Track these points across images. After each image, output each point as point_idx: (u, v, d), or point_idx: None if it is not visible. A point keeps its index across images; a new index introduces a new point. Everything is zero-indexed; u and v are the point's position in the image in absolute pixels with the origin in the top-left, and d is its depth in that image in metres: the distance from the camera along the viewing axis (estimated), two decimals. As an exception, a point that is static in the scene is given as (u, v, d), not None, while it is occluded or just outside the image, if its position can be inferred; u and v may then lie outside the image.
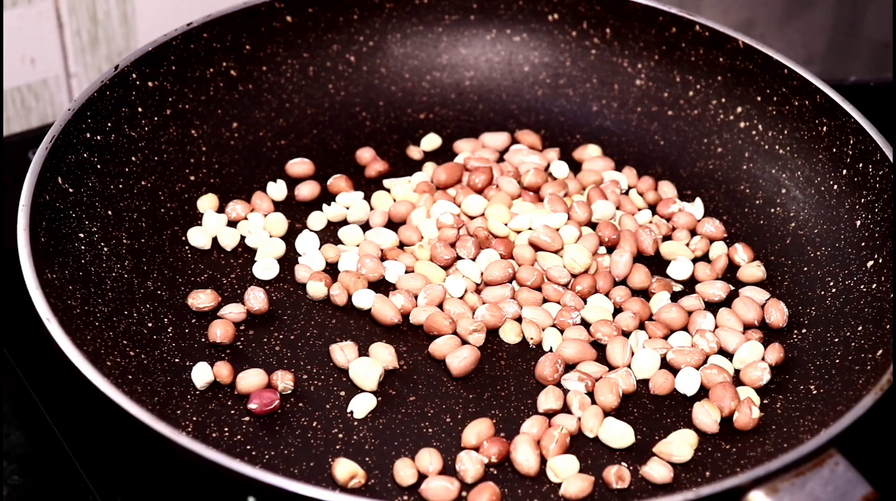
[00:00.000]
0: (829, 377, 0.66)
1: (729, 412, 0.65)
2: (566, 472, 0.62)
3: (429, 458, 0.63)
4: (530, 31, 0.84)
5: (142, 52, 0.75)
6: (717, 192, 0.78)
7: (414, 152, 0.80)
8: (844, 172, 0.74)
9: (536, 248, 0.73)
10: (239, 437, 0.64)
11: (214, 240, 0.74)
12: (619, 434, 0.64)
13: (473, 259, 0.72)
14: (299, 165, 0.78)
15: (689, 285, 0.73)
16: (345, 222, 0.76)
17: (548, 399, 0.66)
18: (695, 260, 0.74)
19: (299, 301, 0.71)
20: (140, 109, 0.75)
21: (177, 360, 0.67)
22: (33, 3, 0.83)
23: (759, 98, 0.78)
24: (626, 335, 0.69)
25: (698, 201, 0.77)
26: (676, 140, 0.81)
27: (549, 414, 0.66)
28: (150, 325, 0.69)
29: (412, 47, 0.84)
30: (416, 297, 0.70)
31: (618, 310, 0.71)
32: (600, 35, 0.83)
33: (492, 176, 0.77)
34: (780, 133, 0.78)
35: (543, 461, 0.63)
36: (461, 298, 0.71)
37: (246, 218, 0.75)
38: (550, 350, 0.69)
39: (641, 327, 0.70)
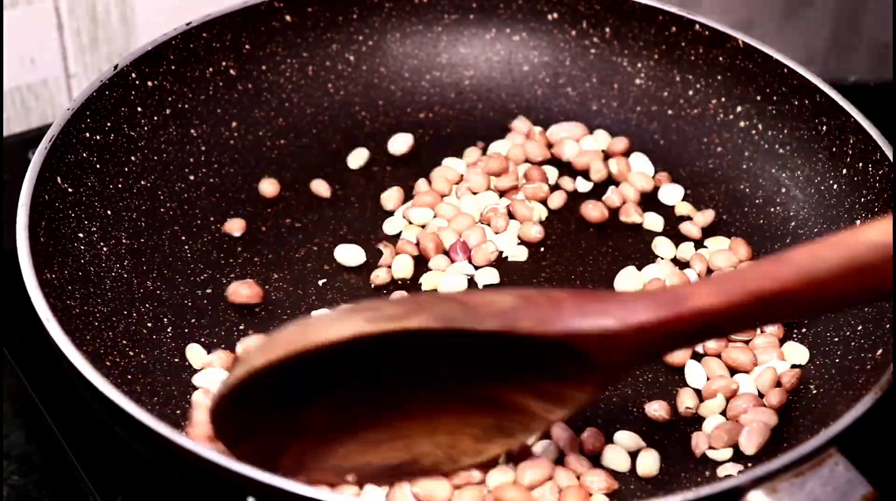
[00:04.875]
0: (829, 377, 0.66)
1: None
2: None
3: None
4: (530, 31, 0.84)
5: (141, 52, 0.75)
6: (716, 191, 0.78)
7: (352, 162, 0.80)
8: (844, 171, 0.73)
9: None
10: (239, 437, 0.64)
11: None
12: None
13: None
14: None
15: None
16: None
17: None
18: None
19: (298, 301, 0.71)
20: (139, 109, 0.75)
21: (177, 360, 0.67)
22: (33, 3, 0.83)
23: (758, 97, 0.78)
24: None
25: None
26: (676, 139, 0.81)
27: None
28: (149, 325, 0.69)
29: (411, 47, 0.84)
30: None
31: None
32: (600, 34, 0.83)
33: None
34: (780, 132, 0.77)
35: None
36: None
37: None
38: None
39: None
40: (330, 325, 0.51)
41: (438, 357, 0.53)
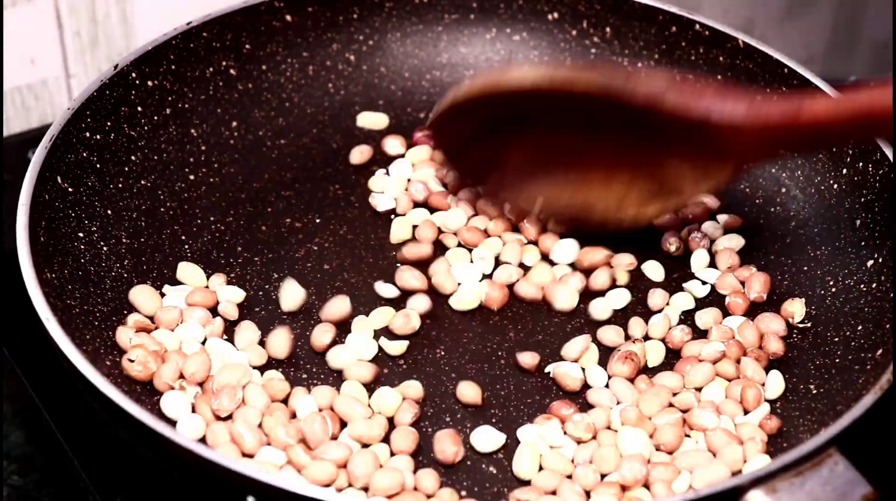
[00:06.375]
0: (829, 377, 0.66)
1: None
2: None
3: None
4: (530, 31, 0.84)
5: (141, 52, 0.75)
6: (716, 191, 0.78)
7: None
8: (844, 171, 0.73)
9: None
10: (239, 437, 0.64)
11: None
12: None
13: None
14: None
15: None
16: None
17: None
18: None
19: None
20: (140, 109, 0.75)
21: (176, 360, 0.68)
22: (33, 2, 0.83)
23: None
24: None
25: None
26: (676, 139, 0.81)
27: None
28: (149, 325, 0.69)
29: (412, 46, 0.84)
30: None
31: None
32: (600, 34, 0.83)
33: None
34: (780, 133, 0.77)
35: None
36: None
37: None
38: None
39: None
40: (515, 73, 0.66)
41: (610, 119, 0.65)
